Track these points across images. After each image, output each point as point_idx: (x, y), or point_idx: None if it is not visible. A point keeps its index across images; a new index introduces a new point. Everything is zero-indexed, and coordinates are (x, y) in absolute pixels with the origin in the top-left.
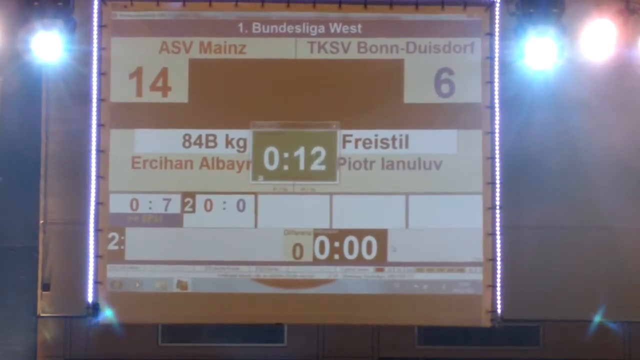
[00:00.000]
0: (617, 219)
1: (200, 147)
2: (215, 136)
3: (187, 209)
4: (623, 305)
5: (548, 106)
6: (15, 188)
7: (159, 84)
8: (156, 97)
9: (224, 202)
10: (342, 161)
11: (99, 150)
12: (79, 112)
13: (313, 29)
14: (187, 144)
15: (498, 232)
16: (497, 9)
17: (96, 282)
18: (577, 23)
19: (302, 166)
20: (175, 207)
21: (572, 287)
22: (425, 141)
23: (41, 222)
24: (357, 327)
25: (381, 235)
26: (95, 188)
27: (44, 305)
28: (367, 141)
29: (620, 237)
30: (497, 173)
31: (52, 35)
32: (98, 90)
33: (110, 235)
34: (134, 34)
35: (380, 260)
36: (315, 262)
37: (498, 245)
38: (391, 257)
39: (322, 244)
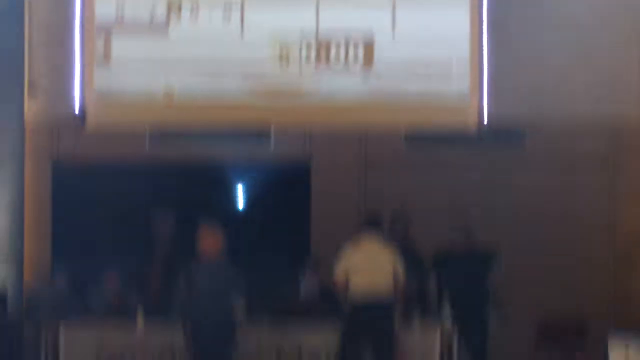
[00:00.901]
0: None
1: None
2: None
3: (172, 16)
4: (607, 103)
5: None
6: None
7: None
8: None
9: (210, 9)
10: None
11: None
12: None
13: None
14: None
15: (485, 32)
16: None
17: (83, 89)
18: None
19: None
20: (161, 15)
21: (558, 92)
22: None
23: (26, 25)
24: (344, 133)
25: (368, 41)
26: None
27: (32, 111)
28: None
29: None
30: None
31: None
32: None
33: (97, 42)
34: None
35: (367, 65)
36: (302, 68)
37: (485, 46)
38: (378, 62)
39: (309, 50)
